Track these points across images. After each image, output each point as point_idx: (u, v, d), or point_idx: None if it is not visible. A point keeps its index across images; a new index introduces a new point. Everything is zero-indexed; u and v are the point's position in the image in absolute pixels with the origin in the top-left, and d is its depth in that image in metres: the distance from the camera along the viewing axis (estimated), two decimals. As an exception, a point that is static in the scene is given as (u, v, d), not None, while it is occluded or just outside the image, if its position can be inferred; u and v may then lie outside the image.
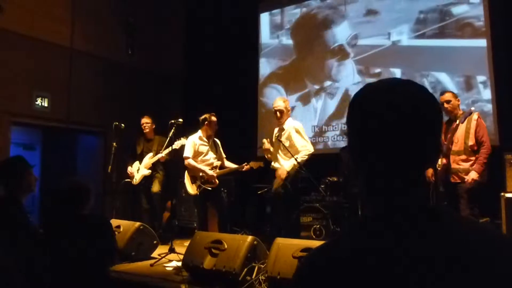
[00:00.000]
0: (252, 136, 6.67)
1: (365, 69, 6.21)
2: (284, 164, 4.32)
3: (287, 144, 4.34)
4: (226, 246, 3.46)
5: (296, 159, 4.21)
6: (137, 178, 5.36)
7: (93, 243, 2.21)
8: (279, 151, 4.46)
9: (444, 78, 5.57)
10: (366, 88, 0.78)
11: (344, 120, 5.30)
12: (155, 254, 4.49)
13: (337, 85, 6.44)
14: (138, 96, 7.27)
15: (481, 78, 5.31)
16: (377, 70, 6.12)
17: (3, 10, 5.58)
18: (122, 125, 5.38)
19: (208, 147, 4.83)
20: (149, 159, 5.34)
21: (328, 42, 6.57)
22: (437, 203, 3.71)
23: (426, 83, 5.64)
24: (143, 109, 5.89)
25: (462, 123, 3.81)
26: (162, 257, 4.23)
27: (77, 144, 7.41)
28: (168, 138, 4.90)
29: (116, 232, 4.49)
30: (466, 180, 3.72)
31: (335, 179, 5.20)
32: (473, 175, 3.69)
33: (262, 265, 3.34)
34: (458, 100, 4.01)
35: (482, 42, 5.32)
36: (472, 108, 3.87)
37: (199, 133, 4.85)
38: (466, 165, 3.79)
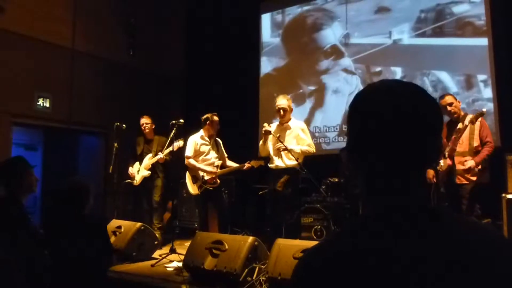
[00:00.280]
0: (253, 135, 6.66)
1: (366, 68, 6.21)
2: (294, 148, 4.29)
3: (293, 142, 4.33)
4: (227, 247, 3.46)
5: (297, 160, 4.21)
6: (137, 179, 5.36)
7: (92, 243, 2.21)
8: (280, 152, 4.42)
9: (445, 77, 5.56)
10: (367, 89, 0.78)
11: (344, 120, 5.32)
12: (156, 254, 4.49)
13: (336, 85, 6.44)
14: (139, 96, 7.27)
15: (481, 77, 5.31)
16: (378, 69, 6.12)
17: (4, 10, 5.60)
18: (123, 125, 5.38)
19: (209, 146, 4.83)
20: (148, 160, 5.34)
21: (328, 42, 6.57)
22: (438, 204, 3.71)
23: (427, 82, 5.63)
24: (144, 110, 5.88)
25: (473, 124, 3.77)
26: (163, 258, 4.24)
27: (79, 145, 7.42)
28: (169, 138, 4.90)
29: (117, 233, 4.51)
30: (464, 166, 3.71)
31: (336, 180, 5.19)
32: (470, 163, 3.68)
33: (263, 266, 3.35)
34: (459, 102, 4.01)
35: (483, 41, 5.31)
36: (484, 109, 3.84)
37: (201, 132, 4.85)
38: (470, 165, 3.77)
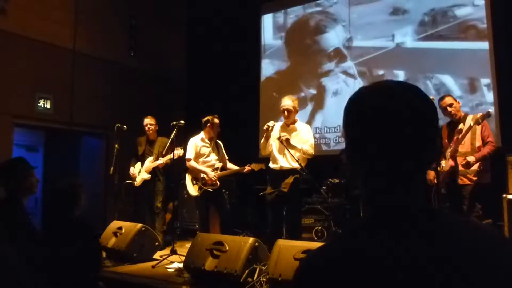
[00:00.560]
0: (254, 138, 6.65)
1: (368, 71, 6.20)
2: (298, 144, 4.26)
3: (298, 145, 4.31)
4: (227, 248, 3.46)
5: (298, 161, 4.19)
6: (137, 181, 5.35)
7: (73, 246, 2.17)
8: (285, 151, 4.35)
9: (448, 81, 5.54)
10: (361, 91, 0.78)
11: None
12: (157, 255, 4.49)
13: (336, 87, 6.44)
14: (140, 97, 7.27)
15: (485, 81, 5.28)
16: (381, 72, 6.11)
17: (5, 12, 5.61)
18: (124, 126, 5.38)
19: (210, 148, 4.83)
20: (149, 162, 5.33)
21: (331, 45, 6.57)
22: (438, 205, 3.71)
23: (430, 86, 5.62)
24: (145, 111, 5.87)
25: (479, 124, 3.75)
26: (164, 259, 4.24)
27: (79, 146, 7.42)
28: (170, 140, 4.90)
29: (118, 234, 4.51)
30: (464, 161, 3.70)
31: (337, 181, 5.19)
32: (470, 158, 3.66)
33: (263, 267, 3.34)
34: (458, 103, 4.00)
35: (486, 45, 5.29)
36: (490, 110, 3.82)
37: (202, 134, 4.85)
38: (474, 166, 3.77)
